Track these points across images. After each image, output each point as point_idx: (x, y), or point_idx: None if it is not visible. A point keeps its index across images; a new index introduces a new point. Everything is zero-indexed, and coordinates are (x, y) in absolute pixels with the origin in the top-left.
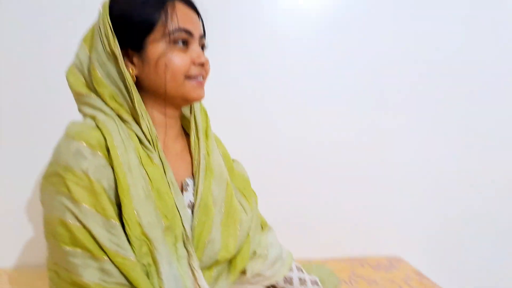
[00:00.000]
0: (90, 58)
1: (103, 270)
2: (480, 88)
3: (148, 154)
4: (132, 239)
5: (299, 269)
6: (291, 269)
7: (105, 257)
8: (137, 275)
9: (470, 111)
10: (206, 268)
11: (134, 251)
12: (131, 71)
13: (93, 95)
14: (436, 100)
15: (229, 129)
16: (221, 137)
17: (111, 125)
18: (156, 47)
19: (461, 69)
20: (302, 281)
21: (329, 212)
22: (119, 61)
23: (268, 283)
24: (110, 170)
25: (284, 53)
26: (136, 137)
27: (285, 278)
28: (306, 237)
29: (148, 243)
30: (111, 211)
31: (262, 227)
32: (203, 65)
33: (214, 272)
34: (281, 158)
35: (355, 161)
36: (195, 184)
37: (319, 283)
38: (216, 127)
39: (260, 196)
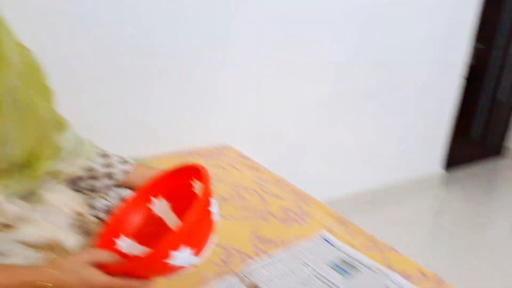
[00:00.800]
0: None
1: None
2: None
3: None
4: None
5: (105, 156)
6: (91, 159)
7: None
8: None
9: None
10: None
11: None
12: None
13: None
14: None
15: None
16: None
17: None
18: None
19: None
20: (106, 165)
21: (161, 110)
22: None
23: (68, 177)
24: None
25: None
26: None
27: (87, 168)
28: (140, 136)
29: None
30: None
31: (60, 125)
32: None
33: (9, 177)
34: (121, 62)
35: (189, 55)
36: None
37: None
38: None
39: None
